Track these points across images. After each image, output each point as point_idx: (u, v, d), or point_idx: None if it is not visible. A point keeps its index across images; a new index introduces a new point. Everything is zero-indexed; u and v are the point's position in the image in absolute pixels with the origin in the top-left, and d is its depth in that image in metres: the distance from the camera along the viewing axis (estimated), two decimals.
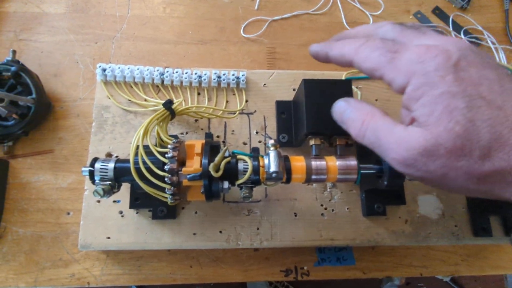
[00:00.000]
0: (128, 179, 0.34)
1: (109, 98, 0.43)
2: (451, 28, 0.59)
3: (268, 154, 0.34)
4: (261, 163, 0.34)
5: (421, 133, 0.23)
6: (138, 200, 0.39)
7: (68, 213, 0.44)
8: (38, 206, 0.44)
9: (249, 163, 0.34)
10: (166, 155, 0.32)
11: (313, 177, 0.35)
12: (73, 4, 0.54)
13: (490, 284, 1.14)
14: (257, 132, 0.44)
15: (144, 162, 0.32)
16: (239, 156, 0.35)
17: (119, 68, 0.43)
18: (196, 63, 0.53)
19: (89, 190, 0.40)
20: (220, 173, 0.32)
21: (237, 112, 0.44)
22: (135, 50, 0.53)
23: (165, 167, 0.32)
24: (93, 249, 0.39)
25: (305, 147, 0.43)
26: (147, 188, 0.33)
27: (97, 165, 0.33)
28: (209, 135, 0.40)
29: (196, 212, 0.41)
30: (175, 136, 0.38)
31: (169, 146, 0.33)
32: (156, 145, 0.35)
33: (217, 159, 0.32)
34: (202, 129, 0.44)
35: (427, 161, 0.22)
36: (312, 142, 0.37)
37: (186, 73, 0.44)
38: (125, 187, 0.40)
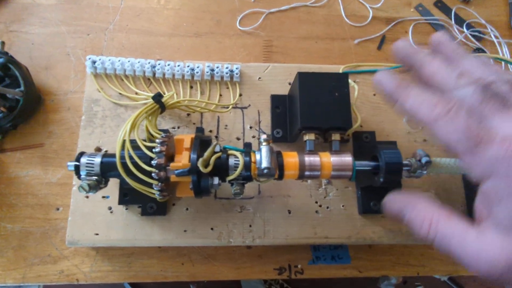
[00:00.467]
0: (115, 174, 0.32)
1: (99, 91, 0.42)
2: (453, 22, 0.58)
3: (260, 150, 0.33)
4: (252, 159, 0.33)
5: (502, 246, 0.21)
6: (127, 196, 0.38)
7: (58, 209, 0.43)
8: (27, 201, 0.43)
9: (240, 158, 0.33)
10: (153, 150, 0.31)
11: (307, 173, 0.34)
12: None
13: (489, 284, 1.13)
14: (251, 127, 0.43)
15: (131, 157, 0.31)
16: (230, 151, 0.33)
17: (109, 60, 0.42)
18: (191, 56, 0.52)
19: (77, 185, 0.39)
20: (209, 168, 0.31)
21: (231, 106, 0.43)
22: (128, 42, 0.51)
23: (152, 162, 0.31)
24: (81, 245, 0.38)
25: (300, 143, 0.42)
26: (134, 183, 0.32)
27: (83, 160, 0.32)
28: (200, 130, 0.39)
29: (187, 209, 0.40)
30: (166, 131, 0.37)
31: (157, 140, 0.32)
32: (145, 140, 0.34)
33: (206, 154, 0.31)
34: (194, 123, 0.42)
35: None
36: (306, 137, 0.36)
37: (178, 65, 0.43)
38: (115, 183, 0.39)
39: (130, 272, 0.42)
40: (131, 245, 0.40)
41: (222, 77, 0.43)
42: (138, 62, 0.42)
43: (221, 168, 0.33)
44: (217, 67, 0.43)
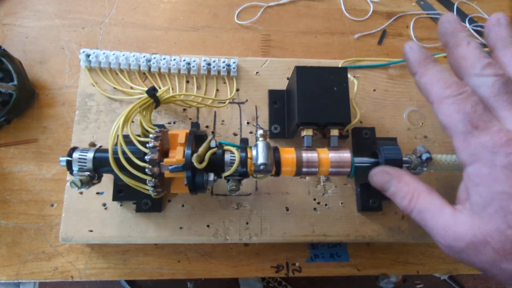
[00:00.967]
0: (108, 170, 0.32)
1: (94, 86, 0.42)
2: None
3: (256, 145, 0.32)
4: (249, 155, 0.32)
5: (470, 225, 0.23)
6: (122, 192, 0.37)
7: (52, 205, 0.43)
8: (21, 197, 0.43)
9: (236, 154, 0.32)
10: (147, 145, 0.30)
11: (304, 170, 0.33)
12: None
13: (490, 282, 1.13)
14: (248, 123, 0.42)
15: (124, 152, 0.30)
16: (226, 147, 0.33)
17: (103, 53, 0.41)
18: (187, 51, 0.51)
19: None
20: (204, 164, 0.30)
21: (227, 101, 0.42)
22: (123, 36, 0.51)
23: (146, 157, 0.30)
24: (75, 242, 0.38)
25: (298, 139, 0.41)
26: (127, 179, 0.31)
27: (76, 155, 0.32)
28: (195, 125, 0.38)
29: (183, 205, 0.39)
30: (161, 126, 0.36)
31: (150, 135, 0.31)
32: (140, 135, 0.34)
33: (201, 149, 0.30)
34: (190, 118, 0.42)
35: (472, 254, 0.23)
36: (304, 133, 0.35)
37: (174, 59, 0.42)
38: (109, 179, 0.38)
39: (125, 269, 0.41)
40: (125, 242, 0.39)
41: (219, 72, 0.42)
42: (133, 56, 0.41)
43: (217, 164, 0.32)
44: (214, 61, 0.42)
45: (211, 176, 0.32)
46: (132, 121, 0.40)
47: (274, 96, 0.42)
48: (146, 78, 0.43)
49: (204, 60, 0.42)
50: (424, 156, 0.34)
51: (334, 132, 0.35)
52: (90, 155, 0.32)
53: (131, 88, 0.41)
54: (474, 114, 0.24)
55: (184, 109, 0.42)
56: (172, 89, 0.42)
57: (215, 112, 0.42)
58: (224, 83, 0.43)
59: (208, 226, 0.38)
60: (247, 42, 0.52)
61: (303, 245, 0.43)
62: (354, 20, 0.55)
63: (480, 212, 0.23)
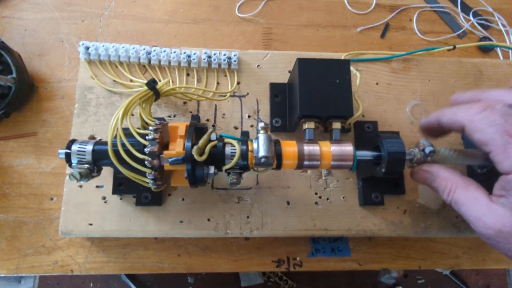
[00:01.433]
0: (108, 162, 0.31)
1: (93, 78, 0.41)
2: (459, 9, 0.56)
3: (257, 138, 0.32)
4: (250, 148, 0.32)
5: (502, 216, 0.26)
6: (122, 186, 0.37)
7: (52, 199, 0.42)
8: (21, 190, 0.42)
9: (237, 147, 0.31)
10: (147, 137, 0.30)
11: (306, 163, 0.32)
12: None
13: (491, 278, 1.13)
14: (249, 116, 0.42)
15: (123, 144, 0.30)
16: (226, 140, 0.32)
17: (103, 46, 0.41)
18: (188, 44, 0.50)
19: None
20: (204, 157, 0.30)
21: (228, 94, 0.41)
22: (123, 29, 0.50)
23: (145, 149, 0.30)
24: (74, 235, 0.37)
25: (299, 133, 0.40)
26: (127, 172, 0.31)
27: (74, 147, 0.31)
28: (195, 117, 0.38)
29: (183, 199, 0.39)
30: (161, 119, 0.35)
31: (150, 127, 0.30)
32: (140, 128, 0.33)
33: (201, 142, 0.30)
34: (191, 112, 0.41)
35: (501, 241, 0.26)
36: (305, 126, 0.34)
37: (174, 52, 0.41)
38: (109, 172, 0.38)
39: (125, 263, 0.41)
40: (125, 236, 0.39)
41: (219, 65, 0.42)
42: (133, 48, 0.41)
43: (217, 157, 0.31)
44: (215, 54, 0.42)
45: (212, 169, 0.31)
46: (132, 114, 0.40)
47: (276, 90, 0.42)
48: (146, 71, 0.42)
49: (205, 53, 0.41)
50: (428, 150, 0.33)
51: (336, 125, 0.34)
52: (89, 147, 0.31)
53: (131, 81, 0.41)
54: (506, 124, 0.26)
55: (185, 102, 0.41)
56: (173, 82, 0.41)
57: (215, 105, 0.42)
58: (225, 76, 0.42)
59: (208, 220, 0.38)
60: (248, 35, 0.52)
61: (304, 240, 0.43)
62: (357, 13, 0.55)
63: None
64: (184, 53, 0.41)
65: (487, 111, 0.28)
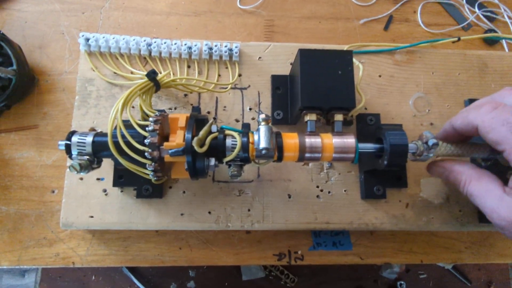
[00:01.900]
0: (108, 154, 0.31)
1: (94, 70, 0.41)
2: (464, 1, 0.55)
3: (258, 130, 0.32)
4: (250, 140, 0.31)
5: None
6: (122, 178, 0.37)
7: (53, 191, 0.42)
8: (22, 183, 0.42)
9: (238, 139, 0.31)
10: (147, 128, 0.30)
11: (307, 155, 0.32)
12: None
13: (494, 273, 1.12)
14: (250, 109, 0.41)
15: (123, 136, 0.30)
16: (227, 132, 0.32)
17: (103, 37, 0.40)
18: (189, 36, 0.50)
19: None
20: (204, 148, 0.30)
21: (229, 86, 0.41)
22: (124, 21, 0.50)
23: (145, 141, 0.29)
24: (75, 228, 0.37)
25: (301, 125, 0.40)
26: (127, 164, 0.31)
27: (74, 139, 0.31)
28: (196, 109, 0.38)
29: (184, 192, 0.38)
30: (162, 111, 0.35)
31: (150, 119, 0.30)
32: (140, 120, 0.33)
33: (201, 133, 0.30)
34: (191, 104, 0.41)
35: None
36: (307, 117, 0.34)
37: (175, 44, 0.41)
38: (110, 164, 0.38)
39: (126, 256, 0.41)
40: (126, 228, 0.39)
41: (220, 56, 0.42)
42: (133, 40, 0.40)
43: (218, 149, 0.31)
44: (216, 46, 0.41)
45: (212, 161, 0.31)
46: (133, 107, 0.39)
47: (277, 82, 0.41)
48: (147, 63, 0.42)
49: (206, 45, 0.41)
50: (431, 142, 0.33)
51: (338, 117, 0.34)
52: (89, 139, 0.31)
53: (132, 72, 0.41)
54: None
55: (185, 95, 0.41)
56: (173, 73, 0.41)
57: (216, 97, 0.41)
58: (226, 68, 0.42)
59: (209, 212, 0.38)
60: (250, 27, 0.51)
61: (305, 233, 0.43)
62: (360, 5, 0.54)
63: None
64: (185, 44, 0.41)
65: (497, 110, 0.28)
